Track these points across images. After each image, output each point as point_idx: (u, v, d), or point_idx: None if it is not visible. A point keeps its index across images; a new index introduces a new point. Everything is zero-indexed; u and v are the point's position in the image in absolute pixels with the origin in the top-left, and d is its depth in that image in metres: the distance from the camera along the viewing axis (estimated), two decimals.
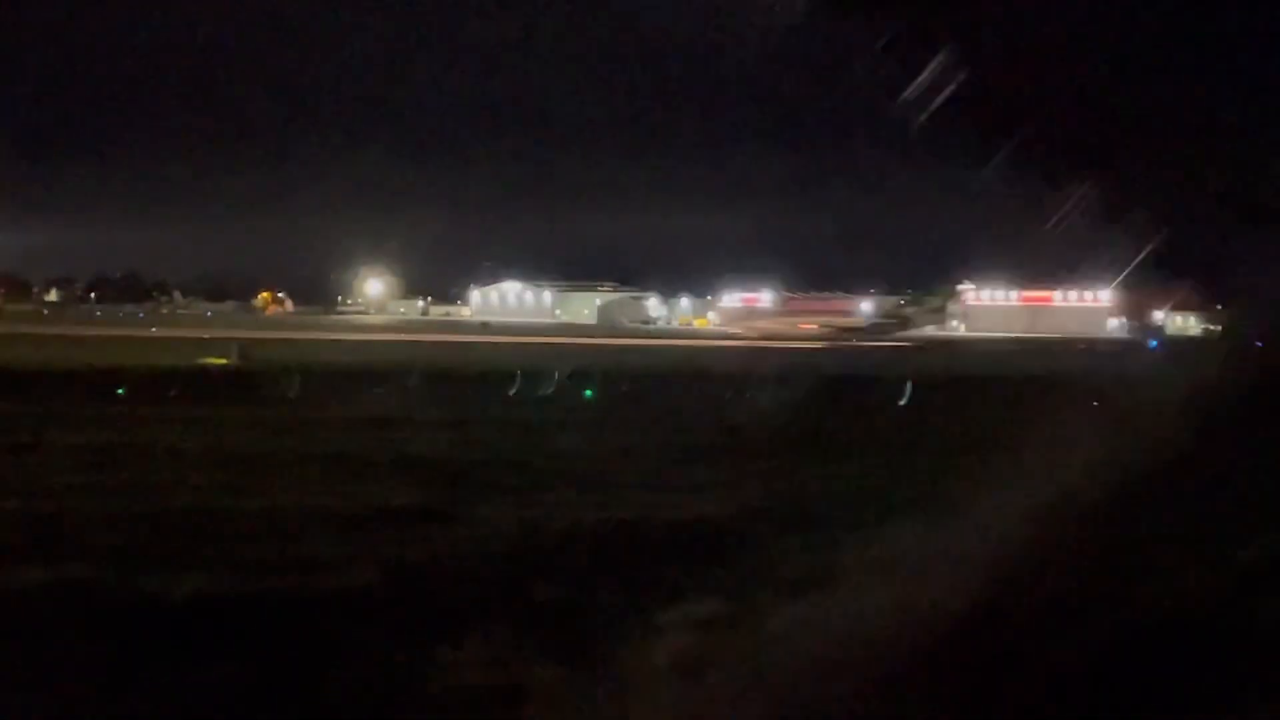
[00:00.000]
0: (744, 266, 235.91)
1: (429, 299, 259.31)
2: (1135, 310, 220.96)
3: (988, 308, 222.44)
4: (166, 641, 11.87)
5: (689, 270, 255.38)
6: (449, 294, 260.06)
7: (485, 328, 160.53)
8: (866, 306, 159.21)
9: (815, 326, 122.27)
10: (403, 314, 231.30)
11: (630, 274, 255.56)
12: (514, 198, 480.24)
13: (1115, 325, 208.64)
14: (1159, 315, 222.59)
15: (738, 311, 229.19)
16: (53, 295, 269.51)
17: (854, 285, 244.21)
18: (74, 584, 13.83)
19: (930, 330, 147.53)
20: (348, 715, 10.31)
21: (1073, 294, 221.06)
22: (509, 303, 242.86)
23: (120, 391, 42.85)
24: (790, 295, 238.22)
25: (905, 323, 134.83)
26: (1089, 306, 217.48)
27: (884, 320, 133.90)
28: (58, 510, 19.20)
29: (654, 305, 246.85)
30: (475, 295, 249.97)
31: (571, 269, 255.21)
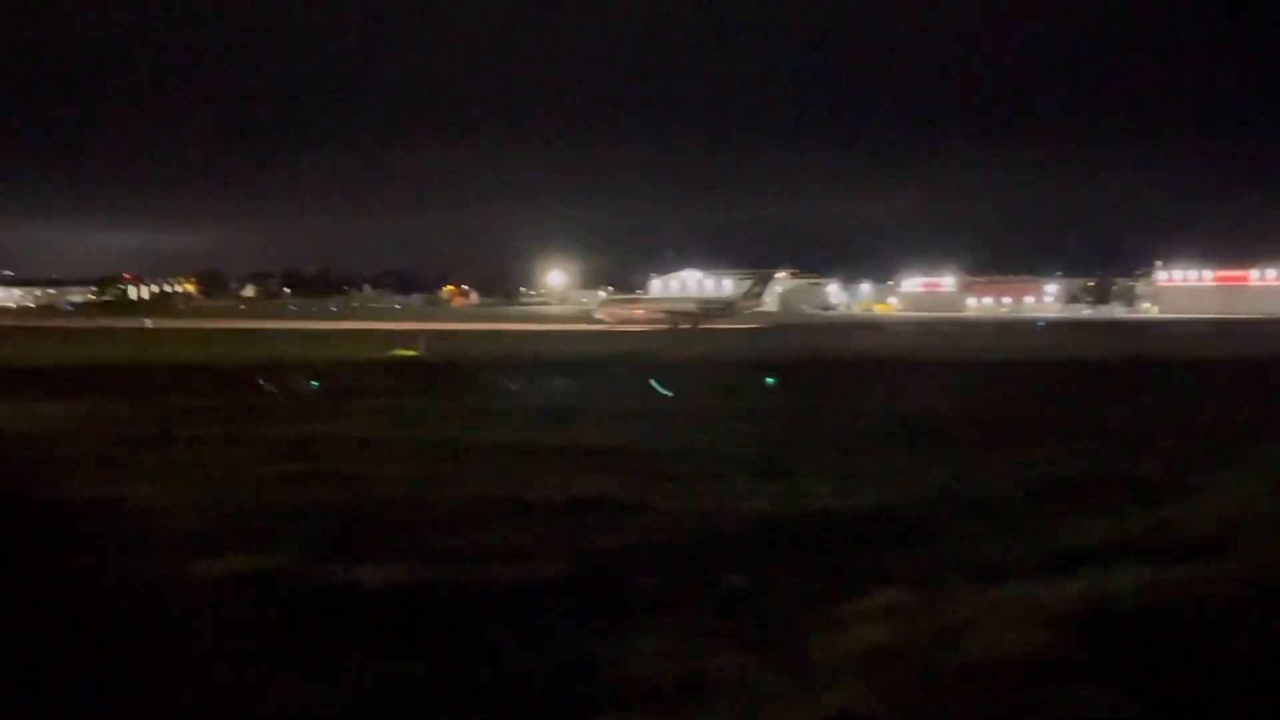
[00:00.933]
0: (925, 250, 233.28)
1: (610, 288, 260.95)
2: None
3: (1179, 288, 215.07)
4: (359, 629, 12.19)
5: (869, 255, 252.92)
6: (629, 283, 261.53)
7: None
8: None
9: (643, 313, 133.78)
10: (584, 304, 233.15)
11: (810, 260, 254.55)
12: (694, 186, 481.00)
13: None
14: None
15: (915, 296, 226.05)
16: (249, 290, 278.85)
17: (1039, 266, 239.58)
18: (272, 573, 14.24)
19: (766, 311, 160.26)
20: (535, 703, 10.46)
21: (1271, 272, 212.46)
22: (689, 291, 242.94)
23: (314, 384, 44.11)
24: (973, 278, 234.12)
25: (730, 307, 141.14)
26: None
27: (712, 307, 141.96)
28: (257, 501, 19.80)
29: (834, 291, 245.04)
30: (655, 284, 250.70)
31: (752, 256, 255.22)
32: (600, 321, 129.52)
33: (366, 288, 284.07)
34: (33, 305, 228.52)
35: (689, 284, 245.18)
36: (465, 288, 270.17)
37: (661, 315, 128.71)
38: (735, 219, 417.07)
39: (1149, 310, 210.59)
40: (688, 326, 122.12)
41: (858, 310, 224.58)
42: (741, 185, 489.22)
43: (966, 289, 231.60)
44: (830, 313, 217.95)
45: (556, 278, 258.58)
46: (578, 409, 36.67)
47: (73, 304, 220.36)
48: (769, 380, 45.64)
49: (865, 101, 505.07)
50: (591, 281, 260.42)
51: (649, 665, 10.83)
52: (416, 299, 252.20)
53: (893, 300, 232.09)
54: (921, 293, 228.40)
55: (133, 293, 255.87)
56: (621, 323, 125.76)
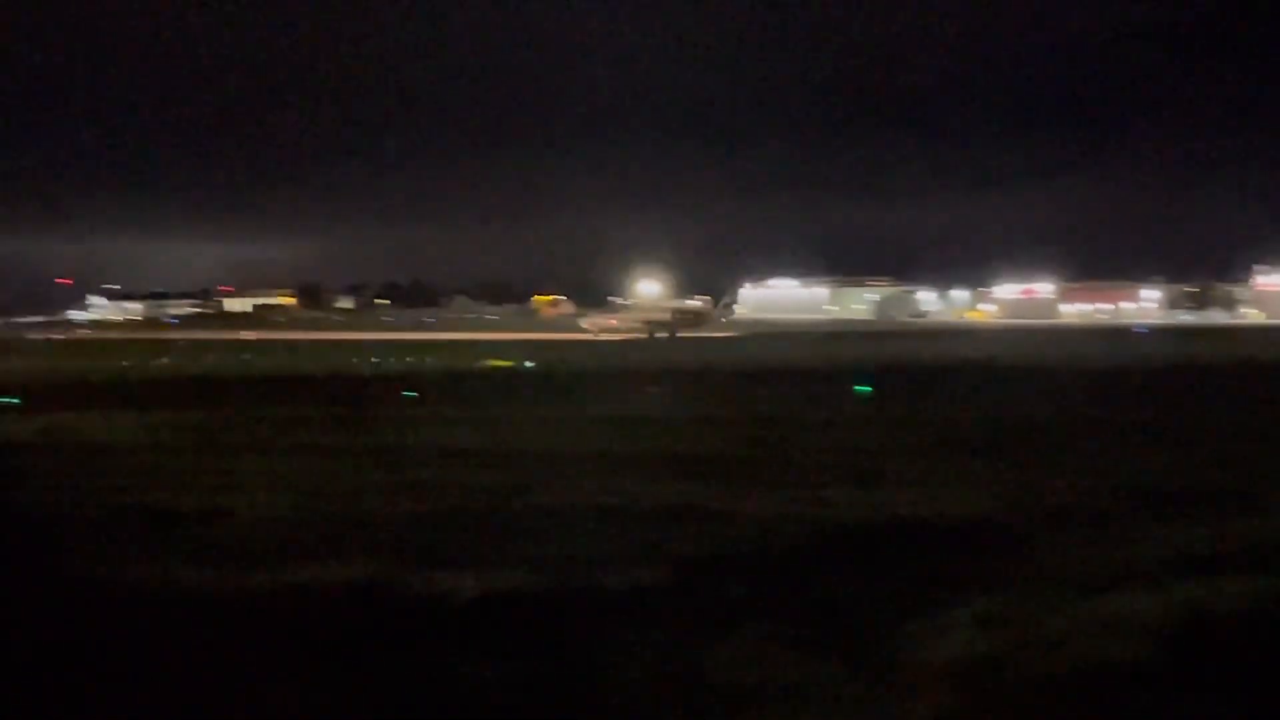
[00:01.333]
0: (1020, 257, 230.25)
1: (706, 297, 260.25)
2: None
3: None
4: (455, 639, 12.34)
5: (963, 262, 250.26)
6: (722, 291, 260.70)
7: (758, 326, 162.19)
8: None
9: (620, 323, 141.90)
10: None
11: (904, 268, 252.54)
12: (786, 193, 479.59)
13: None
14: None
15: (1010, 303, 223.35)
16: (346, 302, 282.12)
17: (1136, 272, 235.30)
18: (365, 582, 14.44)
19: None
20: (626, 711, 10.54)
21: None
22: (782, 299, 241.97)
23: (411, 394, 44.61)
24: (1070, 285, 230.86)
25: (701, 317, 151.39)
26: None
27: (685, 316, 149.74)
28: (348, 509, 20.09)
29: (927, 298, 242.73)
30: (746, 292, 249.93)
31: (845, 263, 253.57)
32: (585, 331, 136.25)
33: (460, 298, 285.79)
34: (139, 318, 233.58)
35: (779, 292, 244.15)
36: (559, 298, 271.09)
37: (639, 325, 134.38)
38: (828, 226, 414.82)
39: (1251, 316, 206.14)
40: (664, 335, 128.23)
41: (951, 317, 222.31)
42: (834, 192, 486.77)
43: (1063, 295, 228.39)
44: (923, 320, 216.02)
45: (649, 286, 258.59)
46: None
47: (176, 317, 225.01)
48: (860, 388, 45.34)
49: (958, 107, 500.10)
50: (684, 290, 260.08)
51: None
52: (510, 309, 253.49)
53: (987, 307, 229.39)
54: (1017, 299, 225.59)
55: (232, 305, 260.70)
56: (603, 332, 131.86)
